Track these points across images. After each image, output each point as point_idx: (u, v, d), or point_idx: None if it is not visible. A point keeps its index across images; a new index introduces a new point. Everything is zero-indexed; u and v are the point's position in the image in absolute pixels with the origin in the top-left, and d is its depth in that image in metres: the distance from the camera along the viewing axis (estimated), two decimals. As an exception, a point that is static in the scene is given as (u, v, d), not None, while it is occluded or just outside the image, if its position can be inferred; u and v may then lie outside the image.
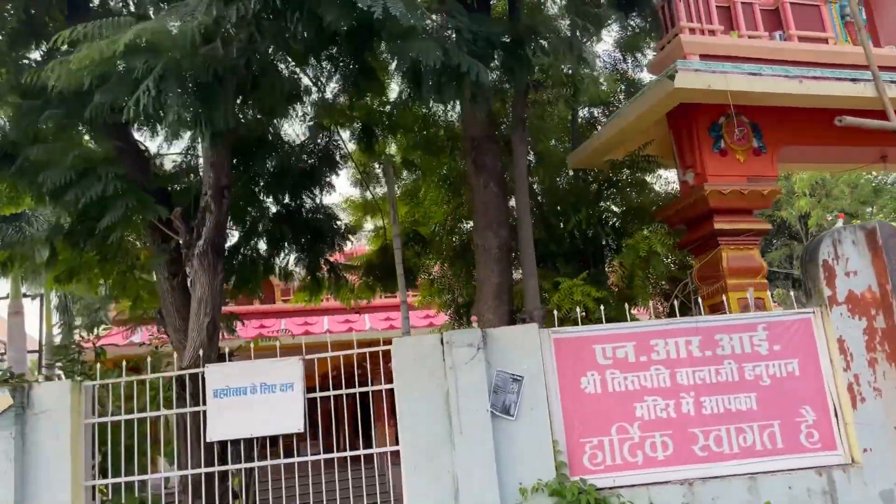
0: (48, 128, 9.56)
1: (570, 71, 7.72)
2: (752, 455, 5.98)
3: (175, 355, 6.48)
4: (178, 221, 6.97)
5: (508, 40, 5.47)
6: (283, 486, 6.05)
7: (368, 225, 12.06)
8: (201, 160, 8.59)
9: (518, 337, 6.09)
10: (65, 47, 6.36)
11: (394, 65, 5.49)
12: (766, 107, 7.85)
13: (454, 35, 5.40)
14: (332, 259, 9.60)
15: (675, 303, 6.28)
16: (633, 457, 5.95)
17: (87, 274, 10.46)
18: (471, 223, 11.15)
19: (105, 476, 6.16)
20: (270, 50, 6.27)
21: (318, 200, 9.19)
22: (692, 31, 8.12)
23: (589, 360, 6.12)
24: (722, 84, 7.02)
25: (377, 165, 10.10)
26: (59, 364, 7.09)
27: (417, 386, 5.94)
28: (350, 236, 9.67)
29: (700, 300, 6.41)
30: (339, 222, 9.57)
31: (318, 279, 9.39)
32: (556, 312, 6.40)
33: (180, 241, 7.20)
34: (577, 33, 6.25)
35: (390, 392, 6.02)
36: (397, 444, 6.05)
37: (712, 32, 8.21)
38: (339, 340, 12.22)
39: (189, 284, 6.94)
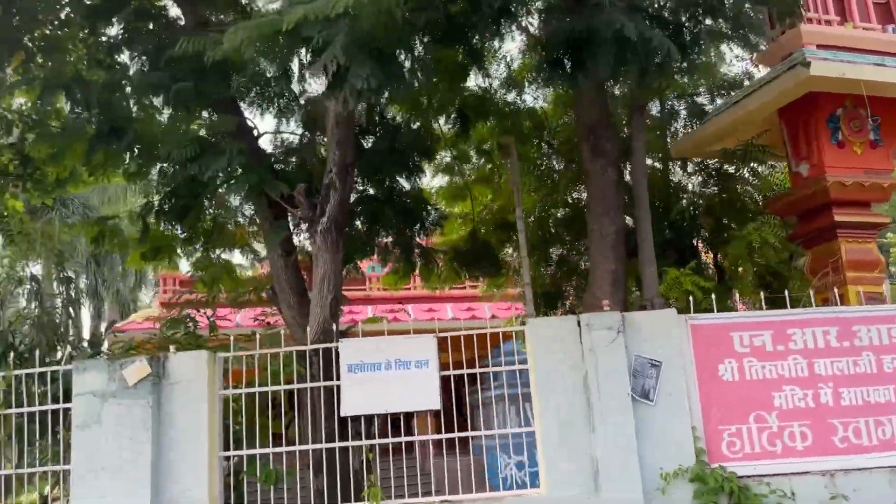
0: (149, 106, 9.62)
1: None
2: (891, 448, 5.89)
3: (309, 331, 6.46)
4: (301, 198, 6.97)
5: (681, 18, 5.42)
6: (417, 464, 6.03)
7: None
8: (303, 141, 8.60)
9: (656, 322, 6.05)
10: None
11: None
12: (883, 99, 7.73)
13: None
14: (422, 243, 9.59)
15: (812, 294, 6.19)
16: (772, 446, 5.88)
17: (171, 253, 10.52)
18: (557, 211, 11.17)
19: (231, 448, 6.14)
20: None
21: (412, 184, 9.17)
22: (809, 20, 8.01)
23: (726, 347, 6.06)
24: (855, 73, 6.93)
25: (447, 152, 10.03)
26: (174, 336, 7.13)
27: (554, 368, 5.91)
28: (442, 221, 9.64)
29: (836, 290, 6.34)
30: (429, 207, 9.53)
31: (412, 262, 9.38)
32: (691, 300, 6.33)
33: (300, 219, 7.20)
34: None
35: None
36: (439, 432, 6.05)
37: (828, 23, 8.10)
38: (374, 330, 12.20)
39: (314, 260, 6.91)
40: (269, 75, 7.97)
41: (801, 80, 7.01)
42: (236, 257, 11.23)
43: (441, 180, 10.81)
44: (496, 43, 8.82)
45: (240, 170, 7.12)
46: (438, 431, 6.17)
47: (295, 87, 8.67)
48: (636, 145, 7.30)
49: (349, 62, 4.48)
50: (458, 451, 7.40)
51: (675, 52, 4.60)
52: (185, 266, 12.04)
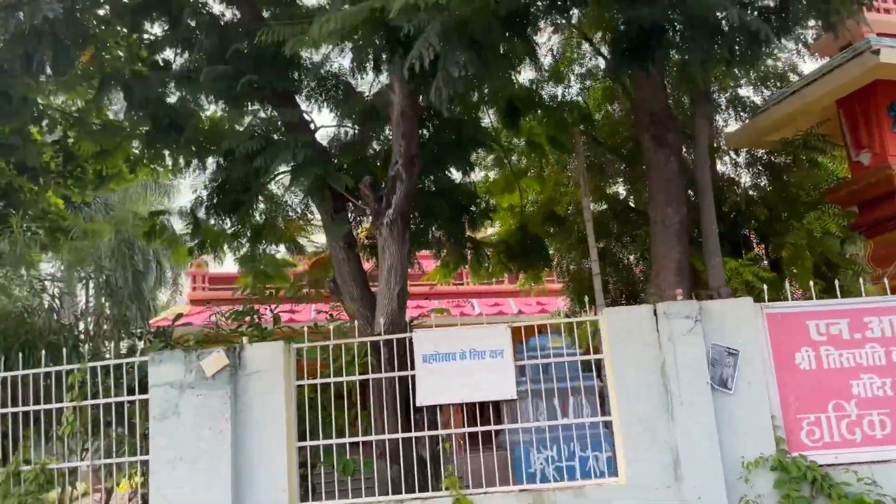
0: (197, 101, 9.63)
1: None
2: (970, 436, 5.85)
3: (381, 322, 6.47)
4: (366, 190, 6.97)
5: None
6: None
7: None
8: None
9: (732, 310, 6.01)
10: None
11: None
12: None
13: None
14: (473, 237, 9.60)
15: (887, 283, 6.16)
16: (851, 434, 5.85)
17: (219, 248, 10.55)
18: (601, 204, 11.16)
19: (308, 438, 6.14)
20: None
21: (464, 177, 9.18)
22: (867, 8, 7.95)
23: (802, 335, 6.03)
24: (925, 60, 6.88)
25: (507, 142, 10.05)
26: (238, 328, 7.17)
27: (631, 357, 5.90)
28: (491, 214, 9.64)
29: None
30: (479, 200, 9.54)
31: (464, 256, 9.39)
32: (765, 288, 6.30)
33: (366, 211, 7.21)
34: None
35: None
36: (463, 425, 6.07)
37: (887, 11, 8.05)
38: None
39: (380, 251, 6.92)
40: (329, 67, 8.05)
41: (869, 68, 6.98)
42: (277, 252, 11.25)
43: (489, 173, 10.82)
44: (544, 36, 8.85)
45: (309, 162, 7.13)
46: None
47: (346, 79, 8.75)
48: (699, 134, 7.26)
49: (444, 50, 4.47)
50: (494, 445, 7.38)
51: (772, 36, 4.57)
52: (224, 262, 12.05)
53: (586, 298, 10.84)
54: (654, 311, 5.96)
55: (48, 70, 7.07)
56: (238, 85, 6.91)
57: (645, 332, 5.92)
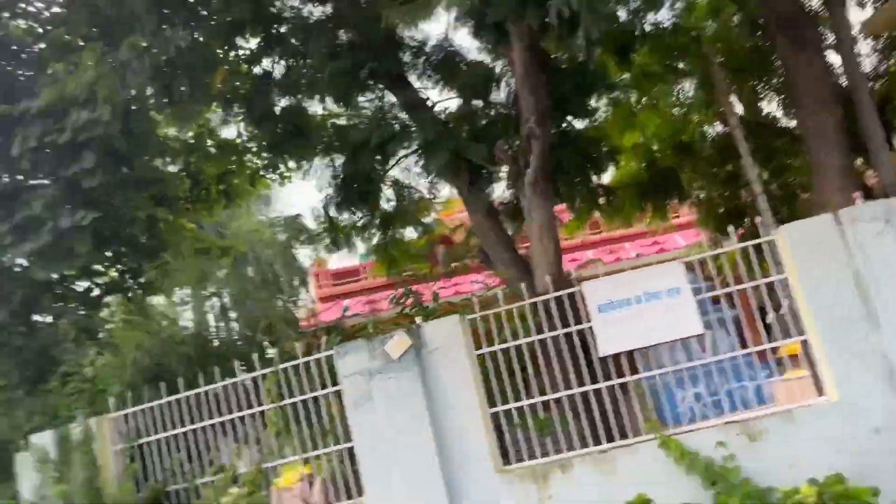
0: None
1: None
2: None
3: (546, 280, 6.46)
4: (501, 154, 6.95)
5: None
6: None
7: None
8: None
9: (921, 205, 5.61)
10: None
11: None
12: None
13: None
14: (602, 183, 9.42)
15: None
16: None
17: (350, 242, 10.88)
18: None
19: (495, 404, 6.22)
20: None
21: (586, 124, 8.99)
22: None
23: None
24: None
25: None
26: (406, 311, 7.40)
27: (820, 271, 5.60)
28: (616, 156, 9.39)
29: None
30: (602, 144, 9.31)
31: (596, 202, 9.24)
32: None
33: (497, 177, 7.21)
34: None
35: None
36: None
37: None
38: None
39: (526, 212, 6.89)
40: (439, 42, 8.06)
41: None
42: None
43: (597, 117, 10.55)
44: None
45: (434, 140, 7.19)
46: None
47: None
48: (840, 25, 6.76)
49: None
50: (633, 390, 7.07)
51: None
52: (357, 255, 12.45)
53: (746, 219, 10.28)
54: (837, 219, 5.63)
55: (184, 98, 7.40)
56: (360, 75, 7.00)
57: (830, 243, 5.61)
